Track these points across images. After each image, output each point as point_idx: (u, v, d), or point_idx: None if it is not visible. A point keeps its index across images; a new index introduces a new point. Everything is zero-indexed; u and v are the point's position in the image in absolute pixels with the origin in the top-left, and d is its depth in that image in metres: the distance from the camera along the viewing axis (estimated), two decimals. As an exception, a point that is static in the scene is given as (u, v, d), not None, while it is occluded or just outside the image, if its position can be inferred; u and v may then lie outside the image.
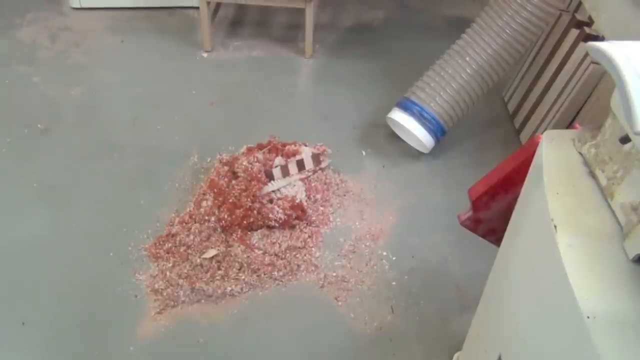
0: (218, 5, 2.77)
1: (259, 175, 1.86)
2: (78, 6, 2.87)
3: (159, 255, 1.76)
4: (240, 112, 2.35)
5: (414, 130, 2.05)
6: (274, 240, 1.80)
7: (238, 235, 1.78)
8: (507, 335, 0.94)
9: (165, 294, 1.66)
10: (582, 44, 1.89)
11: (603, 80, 1.79)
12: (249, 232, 1.81)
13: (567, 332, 0.68)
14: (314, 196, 1.94)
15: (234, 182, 1.86)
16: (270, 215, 1.80)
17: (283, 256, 1.77)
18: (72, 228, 1.85)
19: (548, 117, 2.03)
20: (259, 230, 1.82)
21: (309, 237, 1.84)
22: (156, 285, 1.68)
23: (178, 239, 1.79)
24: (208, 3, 2.52)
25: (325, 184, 2.01)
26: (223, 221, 1.78)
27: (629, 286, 0.66)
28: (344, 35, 2.86)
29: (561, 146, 0.85)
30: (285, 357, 1.56)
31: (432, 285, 1.75)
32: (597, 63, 1.77)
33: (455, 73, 2.03)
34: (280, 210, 1.81)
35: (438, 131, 2.07)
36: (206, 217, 1.81)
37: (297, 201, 1.84)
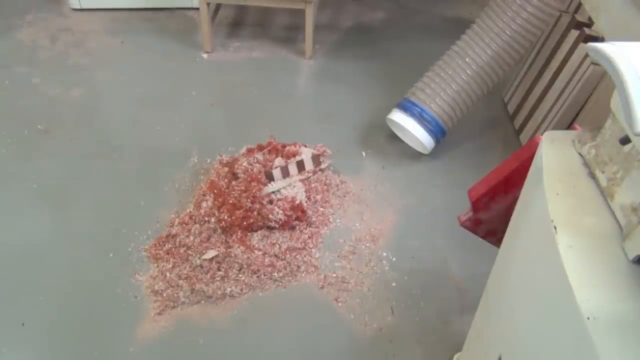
0: (218, 6, 2.77)
1: (259, 176, 1.86)
2: (78, 7, 2.87)
3: (158, 256, 1.76)
4: (240, 113, 2.35)
5: (413, 131, 2.05)
6: (274, 241, 1.80)
7: (238, 236, 1.78)
8: (507, 336, 0.93)
9: (165, 295, 1.66)
10: (582, 45, 1.89)
11: (603, 81, 1.79)
12: (249, 233, 1.81)
13: (567, 332, 0.68)
14: (314, 197, 1.94)
15: (234, 183, 1.86)
16: (270, 216, 1.80)
17: (283, 257, 1.77)
18: (72, 229, 1.85)
19: (548, 118, 2.03)
20: (259, 231, 1.82)
21: (309, 238, 1.84)
22: (156, 286, 1.68)
23: (178, 240, 1.79)
24: (208, 4, 2.52)
25: (325, 185, 2.01)
26: (223, 222, 1.78)
27: (629, 287, 0.66)
28: (343, 36, 2.87)
29: (561, 147, 0.85)
30: (285, 358, 1.56)
31: (432, 286, 1.75)
32: (597, 64, 1.77)
33: (455, 74, 2.03)
34: (280, 211, 1.81)
35: (438, 132, 2.07)
36: (206, 218, 1.81)
37: (297, 202, 1.84)
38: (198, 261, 1.72)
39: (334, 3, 3.09)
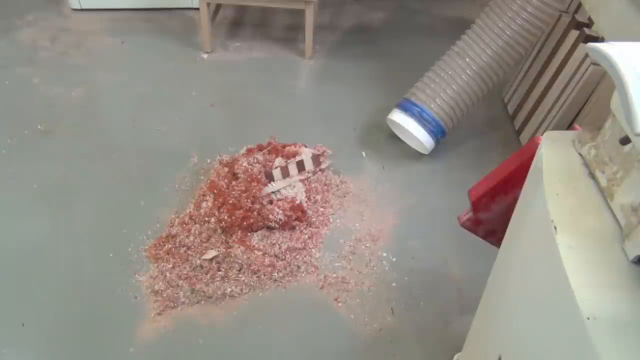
0: (218, 6, 2.77)
1: (259, 177, 1.86)
2: (78, 7, 2.87)
3: (158, 256, 1.76)
4: (240, 113, 2.35)
5: (414, 132, 2.05)
6: (274, 242, 1.80)
7: (238, 237, 1.78)
8: (507, 336, 0.93)
9: (165, 295, 1.66)
10: (582, 45, 1.89)
11: (603, 81, 1.79)
12: (249, 233, 1.81)
13: (567, 333, 0.68)
14: (314, 197, 1.94)
15: (234, 183, 1.86)
16: (270, 217, 1.80)
17: (283, 257, 1.76)
18: (72, 229, 1.85)
19: (548, 118, 2.03)
20: (259, 232, 1.82)
21: (309, 238, 1.84)
22: (156, 287, 1.68)
23: (178, 240, 1.79)
24: (208, 4, 2.52)
25: (325, 185, 2.01)
26: (223, 222, 1.78)
27: (629, 287, 0.66)
28: (343, 36, 2.87)
29: (561, 147, 0.85)
30: (285, 358, 1.56)
31: (432, 286, 1.75)
32: (597, 64, 1.77)
33: (455, 74, 2.03)
34: (280, 212, 1.81)
35: (438, 132, 2.07)
36: (206, 218, 1.81)
37: (297, 202, 1.84)
38: (198, 261, 1.72)
39: (334, 3, 3.09)
